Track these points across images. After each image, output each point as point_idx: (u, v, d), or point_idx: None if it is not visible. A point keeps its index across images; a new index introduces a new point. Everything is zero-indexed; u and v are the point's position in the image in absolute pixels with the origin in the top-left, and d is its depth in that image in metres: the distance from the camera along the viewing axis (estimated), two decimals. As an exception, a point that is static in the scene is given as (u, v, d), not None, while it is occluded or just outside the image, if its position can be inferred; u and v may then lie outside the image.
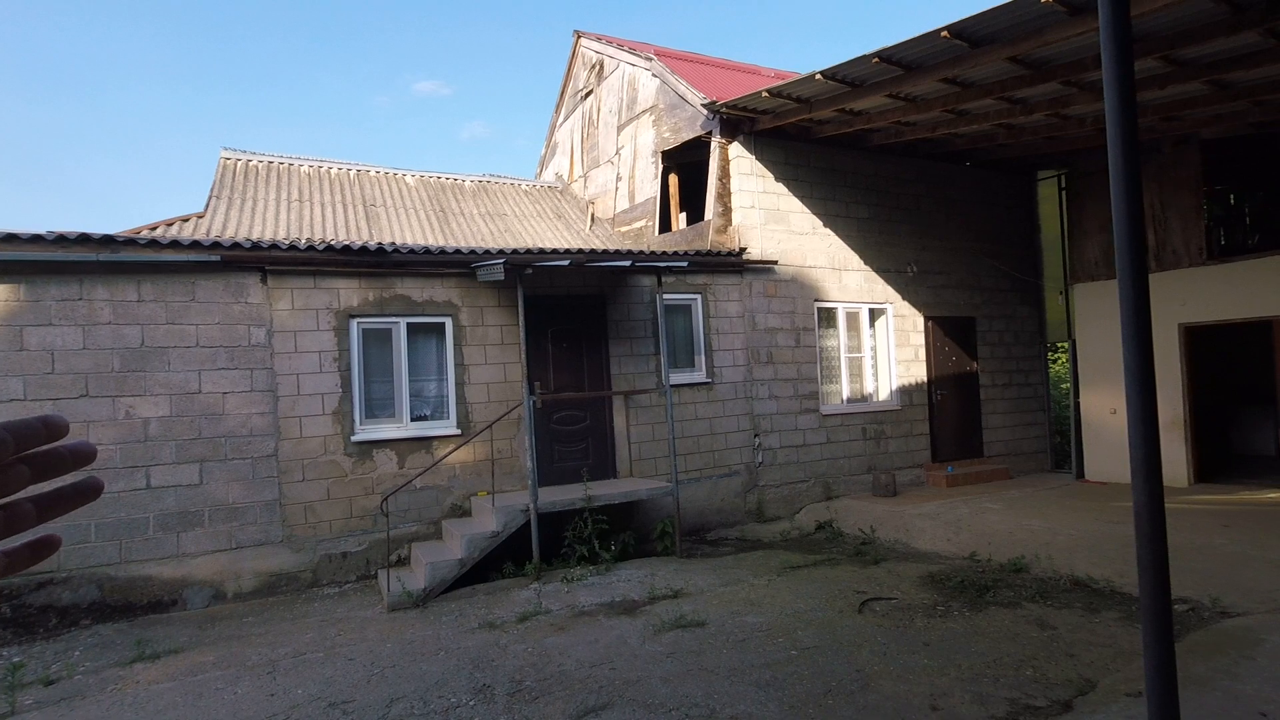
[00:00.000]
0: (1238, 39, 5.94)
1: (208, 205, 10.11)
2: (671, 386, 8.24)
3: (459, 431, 7.82)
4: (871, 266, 10.55)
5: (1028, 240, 12.18)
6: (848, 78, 7.56)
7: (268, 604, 6.74)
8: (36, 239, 6.23)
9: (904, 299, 10.82)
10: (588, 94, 13.52)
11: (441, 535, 7.57)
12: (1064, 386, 13.62)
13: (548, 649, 5.16)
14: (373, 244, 7.55)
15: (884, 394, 10.70)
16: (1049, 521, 7.78)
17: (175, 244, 6.76)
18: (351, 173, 12.34)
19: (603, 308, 8.79)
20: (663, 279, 8.38)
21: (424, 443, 7.70)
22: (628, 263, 7.81)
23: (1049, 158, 11.17)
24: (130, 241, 6.63)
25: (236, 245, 6.96)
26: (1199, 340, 10.25)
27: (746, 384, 9.50)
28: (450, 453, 7.53)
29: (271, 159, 11.95)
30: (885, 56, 6.81)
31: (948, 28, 6.19)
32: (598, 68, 13.14)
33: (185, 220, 9.91)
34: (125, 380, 6.57)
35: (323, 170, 12.15)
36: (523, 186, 13.93)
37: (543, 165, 16.06)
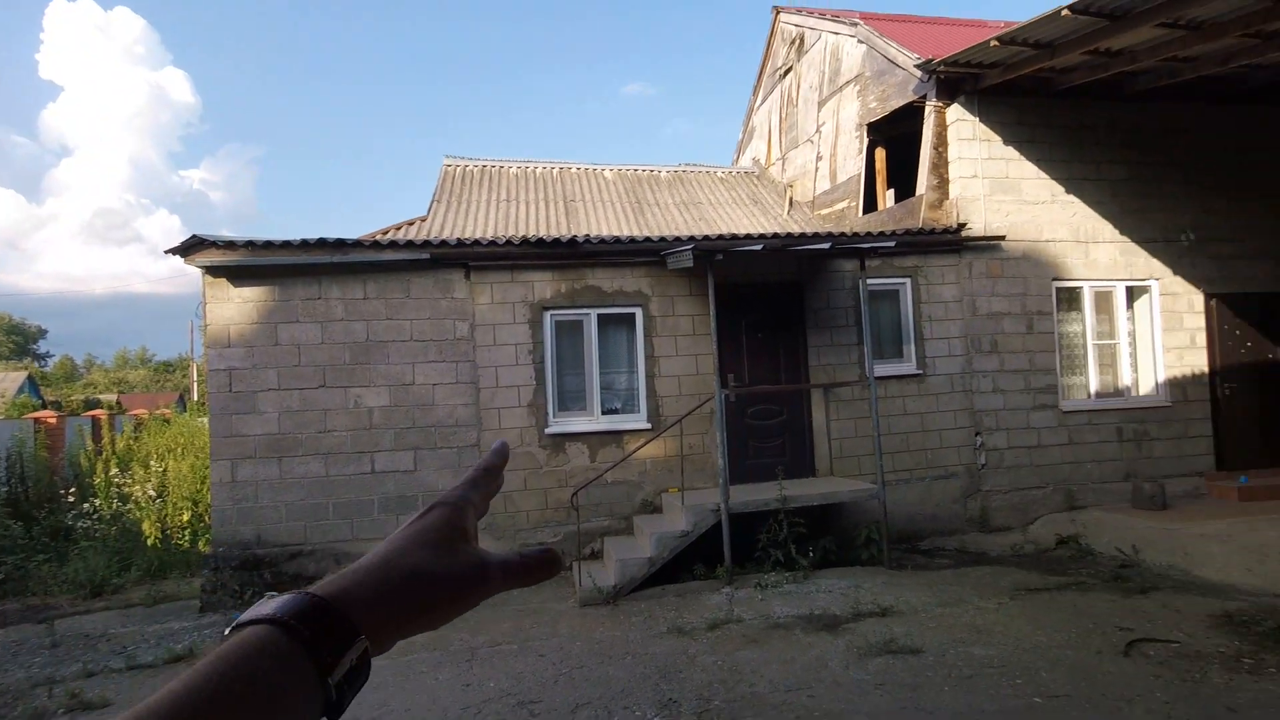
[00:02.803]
0: None
1: (430, 209, 11.03)
2: (877, 379, 7.42)
3: (649, 426, 7.68)
4: (1130, 237, 8.74)
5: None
6: (1105, 9, 6.20)
7: (473, 584, 7.08)
8: (286, 244, 7.08)
9: (1175, 273, 8.84)
10: (786, 71, 12.78)
11: (633, 531, 7.49)
12: None
13: (739, 664, 4.78)
14: (565, 236, 7.64)
15: (1146, 387, 8.85)
16: None
17: (393, 244, 7.36)
18: (554, 170, 12.81)
19: (800, 296, 8.16)
20: (866, 262, 7.55)
21: (614, 436, 7.67)
22: (826, 245, 7.13)
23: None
24: (358, 244, 7.32)
25: (444, 243, 7.40)
26: None
27: (964, 376, 8.33)
28: (640, 447, 7.42)
29: (485, 163, 12.78)
30: (1163, -30, 5.43)
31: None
32: (797, 42, 12.35)
33: (410, 224, 10.88)
34: (354, 372, 7.26)
35: (528, 170, 12.75)
36: (718, 174, 13.59)
37: (740, 151, 15.58)
